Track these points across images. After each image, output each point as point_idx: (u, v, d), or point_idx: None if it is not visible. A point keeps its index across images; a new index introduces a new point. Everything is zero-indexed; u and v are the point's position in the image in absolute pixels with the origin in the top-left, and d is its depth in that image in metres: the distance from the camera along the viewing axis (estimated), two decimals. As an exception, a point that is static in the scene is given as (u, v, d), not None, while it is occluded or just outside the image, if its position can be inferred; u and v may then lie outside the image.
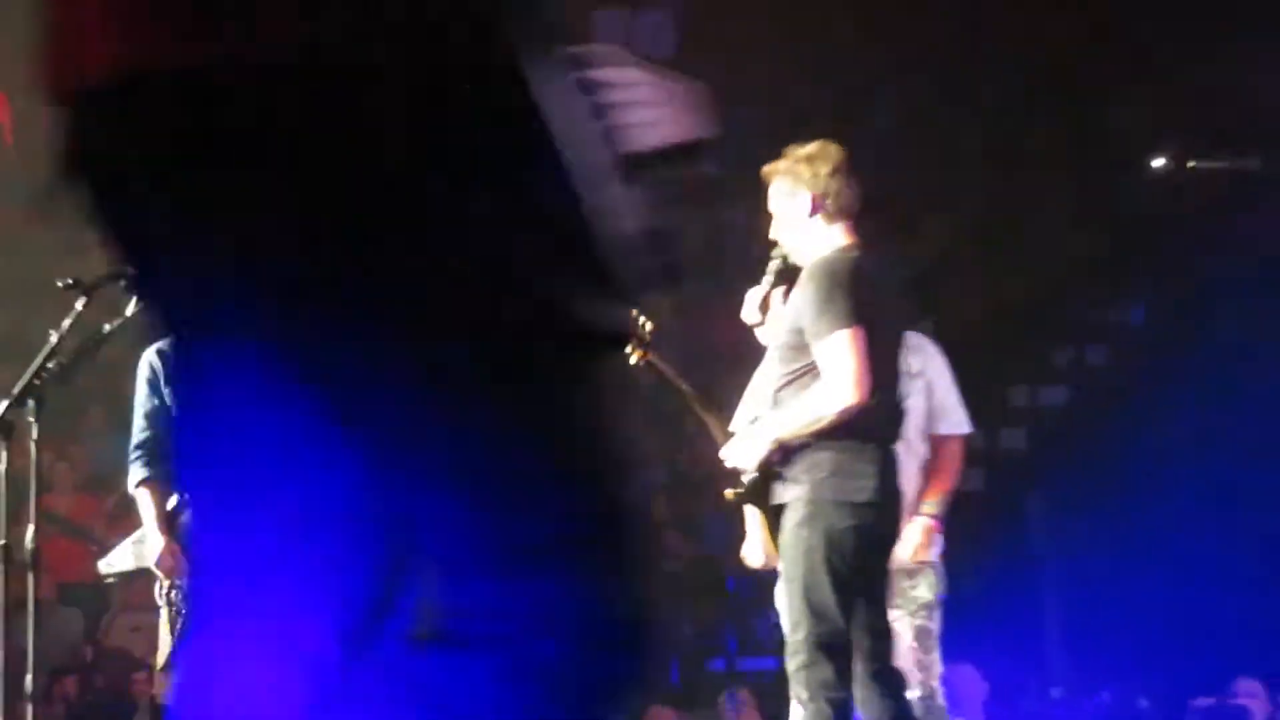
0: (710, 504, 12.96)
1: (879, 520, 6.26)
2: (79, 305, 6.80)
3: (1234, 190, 16.29)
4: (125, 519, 15.08)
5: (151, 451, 7.37)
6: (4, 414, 6.64)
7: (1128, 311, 16.63)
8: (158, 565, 7.29)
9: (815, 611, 6.12)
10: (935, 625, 7.48)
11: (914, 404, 7.32)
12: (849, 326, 6.11)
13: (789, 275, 6.46)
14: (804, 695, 6.16)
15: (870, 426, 6.27)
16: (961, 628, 13.39)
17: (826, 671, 6.15)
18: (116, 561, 7.66)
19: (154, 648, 13.21)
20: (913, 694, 7.14)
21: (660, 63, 2.33)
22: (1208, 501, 14.28)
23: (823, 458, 6.14)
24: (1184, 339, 15.54)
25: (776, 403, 6.33)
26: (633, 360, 6.40)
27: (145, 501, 7.41)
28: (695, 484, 13.49)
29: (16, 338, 15.62)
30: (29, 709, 6.71)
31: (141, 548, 7.40)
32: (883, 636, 6.33)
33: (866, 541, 6.22)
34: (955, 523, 14.78)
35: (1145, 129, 16.84)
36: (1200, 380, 14.75)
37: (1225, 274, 15.33)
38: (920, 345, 7.64)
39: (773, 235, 6.50)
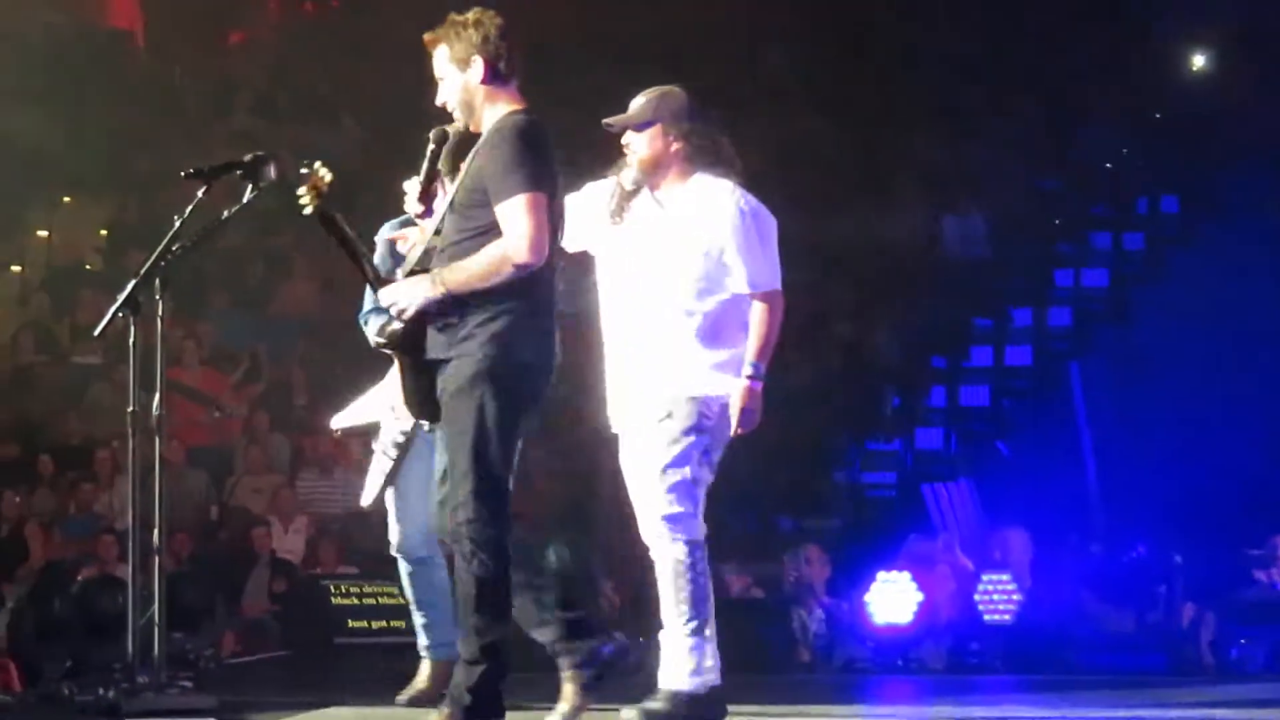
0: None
1: (541, 384, 5.97)
2: (200, 194, 6.72)
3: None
4: (248, 390, 15.13)
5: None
6: (132, 292, 6.57)
7: (1159, 201, 16.40)
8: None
9: (485, 465, 5.80)
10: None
11: (688, 264, 6.44)
12: (532, 190, 5.77)
13: (445, 153, 6.01)
14: (468, 549, 5.75)
15: (547, 294, 5.98)
16: (1012, 493, 13.33)
17: (494, 526, 5.81)
18: (350, 417, 7.48)
19: (273, 507, 13.24)
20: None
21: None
22: (1239, 372, 14.12)
23: (498, 317, 5.79)
24: (1213, 226, 15.37)
25: (450, 258, 5.89)
26: (306, 209, 5.96)
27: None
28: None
29: (146, 224, 15.63)
30: (156, 562, 6.67)
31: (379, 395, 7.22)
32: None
33: (528, 403, 5.93)
34: (1005, 398, 14.71)
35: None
36: (1226, 258, 14.60)
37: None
38: (716, 202, 6.51)
39: (439, 101, 6.04)
